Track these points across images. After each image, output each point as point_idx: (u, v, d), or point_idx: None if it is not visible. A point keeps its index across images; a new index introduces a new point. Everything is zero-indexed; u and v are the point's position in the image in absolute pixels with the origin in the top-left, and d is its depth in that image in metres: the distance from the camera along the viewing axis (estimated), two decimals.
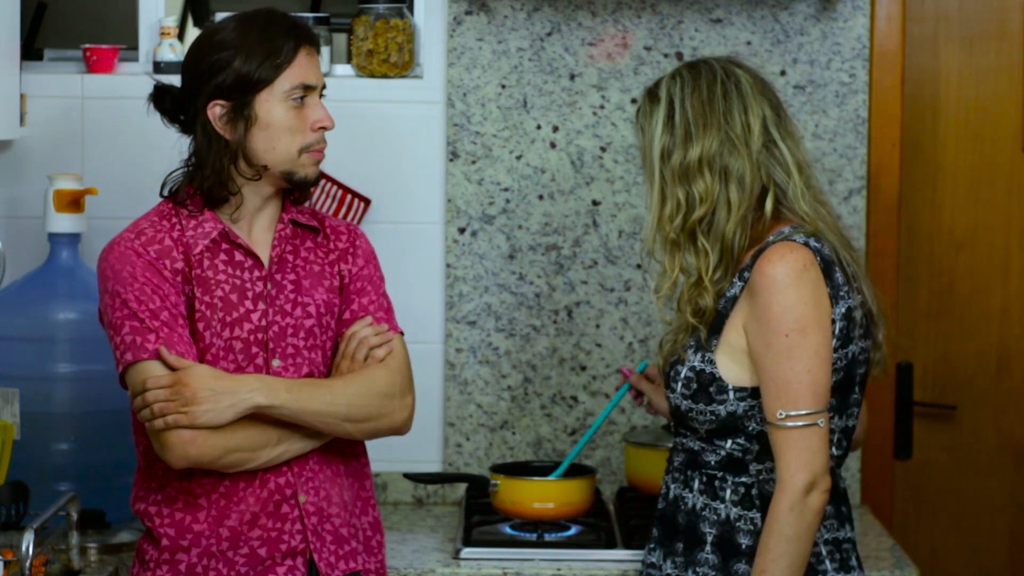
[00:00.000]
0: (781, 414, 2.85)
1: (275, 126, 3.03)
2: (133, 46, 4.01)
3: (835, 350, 2.90)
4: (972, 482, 4.15)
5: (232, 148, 3.04)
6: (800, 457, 2.85)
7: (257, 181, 3.06)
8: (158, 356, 2.96)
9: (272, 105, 3.03)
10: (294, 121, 3.04)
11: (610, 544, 3.55)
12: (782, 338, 2.85)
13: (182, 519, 3.05)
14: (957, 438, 4.15)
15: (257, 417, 2.99)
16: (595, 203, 3.96)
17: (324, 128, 3.07)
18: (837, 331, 2.90)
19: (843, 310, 2.91)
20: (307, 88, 3.05)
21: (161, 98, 3.10)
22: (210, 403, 2.93)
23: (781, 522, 2.85)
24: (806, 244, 2.90)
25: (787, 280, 2.86)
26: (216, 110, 3.03)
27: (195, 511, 3.04)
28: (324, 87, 3.10)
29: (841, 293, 2.91)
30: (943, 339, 4.14)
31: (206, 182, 3.05)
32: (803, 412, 2.85)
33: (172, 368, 2.95)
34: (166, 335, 2.98)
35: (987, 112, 4.09)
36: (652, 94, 3.03)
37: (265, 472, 3.04)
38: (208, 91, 3.03)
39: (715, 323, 2.95)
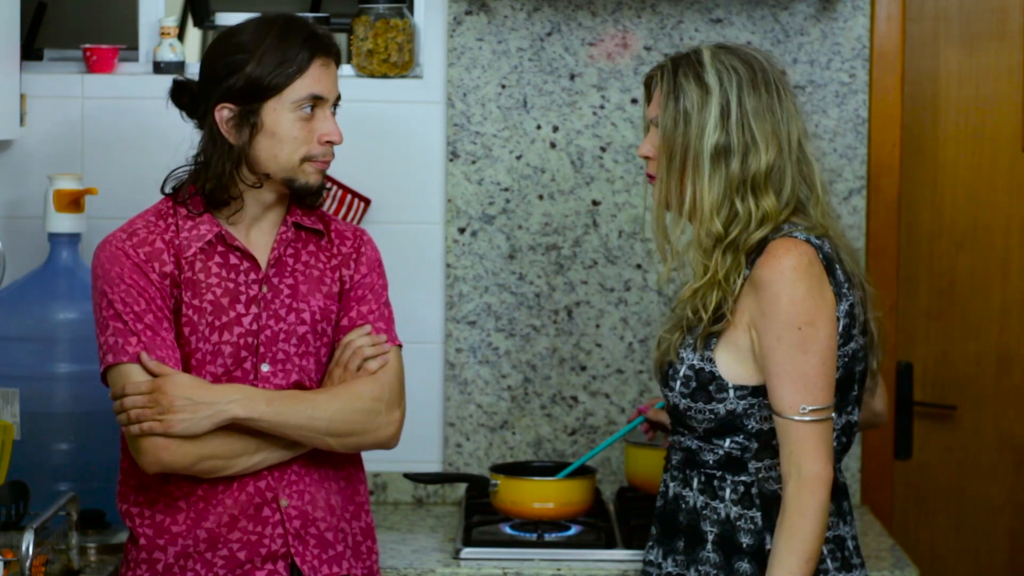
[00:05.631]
0: (804, 408, 2.84)
1: (280, 135, 2.99)
2: (133, 46, 4.01)
3: (838, 347, 2.90)
4: (972, 482, 4.15)
5: (235, 153, 3.00)
6: (821, 449, 2.84)
7: (259, 188, 3.04)
8: (138, 360, 2.95)
9: (280, 114, 2.99)
10: (300, 132, 3.00)
11: (610, 544, 3.55)
12: (795, 331, 2.84)
13: (162, 520, 3.04)
14: (957, 438, 4.15)
15: (235, 426, 2.97)
16: (595, 203, 3.95)
17: (331, 142, 3.03)
18: (841, 328, 2.90)
19: (846, 307, 2.90)
20: (317, 99, 3.01)
21: (180, 93, 3.07)
22: (187, 412, 2.92)
23: (802, 509, 2.83)
24: (807, 241, 2.90)
25: (794, 275, 2.85)
26: (224, 113, 3.00)
27: (174, 513, 3.04)
28: (339, 99, 3.06)
29: (843, 290, 2.91)
30: (943, 339, 4.14)
31: (208, 184, 3.03)
32: (822, 407, 2.85)
33: (153, 374, 2.94)
34: (148, 339, 2.97)
35: (987, 112, 4.09)
36: (698, 78, 2.91)
37: (244, 476, 3.02)
38: (219, 93, 2.99)
39: (713, 321, 2.94)
